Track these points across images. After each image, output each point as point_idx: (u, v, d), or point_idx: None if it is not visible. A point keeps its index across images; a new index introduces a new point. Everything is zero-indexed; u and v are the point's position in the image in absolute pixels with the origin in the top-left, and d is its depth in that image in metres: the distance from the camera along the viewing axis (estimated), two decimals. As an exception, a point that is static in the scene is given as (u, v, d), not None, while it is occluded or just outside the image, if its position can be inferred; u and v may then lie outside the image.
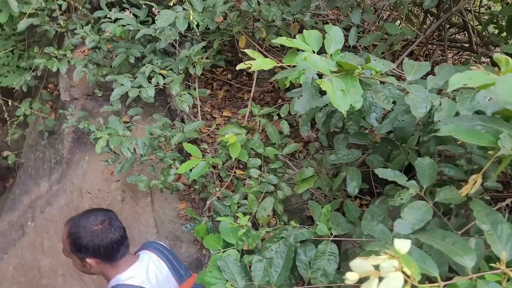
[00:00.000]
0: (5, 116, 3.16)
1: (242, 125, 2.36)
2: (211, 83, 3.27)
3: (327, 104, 2.01)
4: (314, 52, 1.24)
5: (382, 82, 1.51)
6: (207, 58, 2.80)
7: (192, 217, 2.42)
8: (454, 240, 1.00)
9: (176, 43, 2.90)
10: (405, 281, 0.88)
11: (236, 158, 2.31)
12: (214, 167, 2.59)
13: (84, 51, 3.38)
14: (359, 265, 0.88)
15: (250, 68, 1.24)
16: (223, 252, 1.69)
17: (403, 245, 0.89)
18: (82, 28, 3.03)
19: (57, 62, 3.25)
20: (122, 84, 2.52)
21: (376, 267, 0.89)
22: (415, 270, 0.89)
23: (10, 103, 3.08)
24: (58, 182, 3.76)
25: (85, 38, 3.00)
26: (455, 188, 1.15)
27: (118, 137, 2.34)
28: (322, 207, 1.69)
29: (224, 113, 3.08)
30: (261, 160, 2.36)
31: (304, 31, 1.30)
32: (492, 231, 0.98)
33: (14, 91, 3.56)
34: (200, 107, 3.09)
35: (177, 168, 2.41)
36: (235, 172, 2.46)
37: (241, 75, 3.32)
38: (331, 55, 1.23)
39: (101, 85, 3.27)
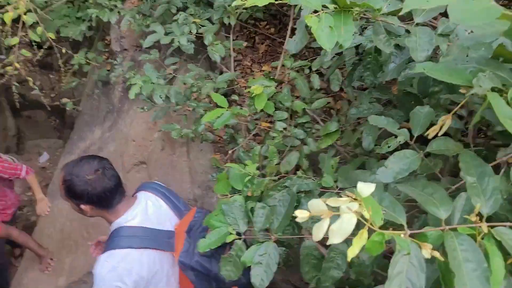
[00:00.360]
0: (60, 64, 3.32)
1: (271, 77, 2.31)
2: (253, 36, 3.21)
3: (357, 54, 1.91)
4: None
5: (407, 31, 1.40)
6: (245, 9, 2.75)
7: (217, 167, 2.45)
8: (434, 190, 0.92)
9: (217, -6, 2.87)
10: (364, 225, 0.84)
11: (263, 111, 2.28)
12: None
13: (134, 2, 3.46)
14: (314, 205, 0.85)
15: (245, 3, 1.20)
16: (230, 197, 1.71)
17: (365, 189, 0.84)
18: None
19: (109, 12, 3.35)
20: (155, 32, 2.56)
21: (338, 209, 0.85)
22: (375, 214, 0.84)
23: (64, 51, 3.23)
24: (109, 130, 3.97)
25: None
26: (450, 139, 1.06)
27: (151, 84, 2.39)
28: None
29: (264, 68, 3.04)
30: (288, 113, 2.31)
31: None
32: (477, 183, 0.90)
33: (70, 40, 3.73)
34: (240, 61, 3.07)
35: (208, 118, 2.42)
36: (260, 125, 2.44)
37: (285, 29, 3.23)
38: (331, -8, 1.15)
39: (148, 36, 3.34)
